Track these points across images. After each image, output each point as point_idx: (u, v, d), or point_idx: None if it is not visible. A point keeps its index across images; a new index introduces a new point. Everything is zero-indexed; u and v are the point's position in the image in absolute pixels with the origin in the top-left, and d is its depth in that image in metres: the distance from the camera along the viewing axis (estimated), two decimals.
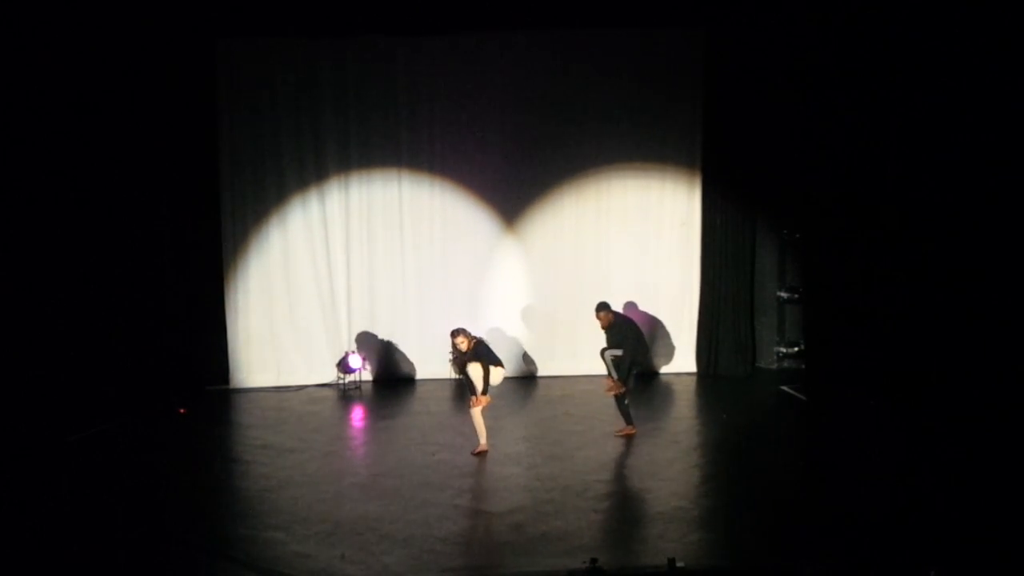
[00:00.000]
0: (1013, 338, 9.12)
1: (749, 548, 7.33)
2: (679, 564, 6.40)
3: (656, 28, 12.93)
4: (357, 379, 13.17)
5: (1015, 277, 9.15)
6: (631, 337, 10.21)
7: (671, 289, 13.43)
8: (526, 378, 13.34)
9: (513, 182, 13.22)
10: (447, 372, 13.32)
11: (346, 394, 12.82)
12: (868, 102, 11.06)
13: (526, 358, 13.47)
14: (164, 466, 9.66)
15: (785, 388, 12.36)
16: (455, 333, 9.60)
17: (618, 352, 10.13)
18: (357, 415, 12.00)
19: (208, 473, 9.45)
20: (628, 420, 10.35)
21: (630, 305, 12.99)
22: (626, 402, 10.33)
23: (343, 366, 13.09)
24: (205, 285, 12.92)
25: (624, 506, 8.29)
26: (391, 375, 13.34)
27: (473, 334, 9.67)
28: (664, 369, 13.50)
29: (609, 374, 10.23)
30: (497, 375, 9.66)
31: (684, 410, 12.05)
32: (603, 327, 10.33)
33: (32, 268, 10.98)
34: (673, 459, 9.68)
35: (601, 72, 12.99)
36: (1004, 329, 9.24)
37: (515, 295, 13.43)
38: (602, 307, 10.43)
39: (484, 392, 9.48)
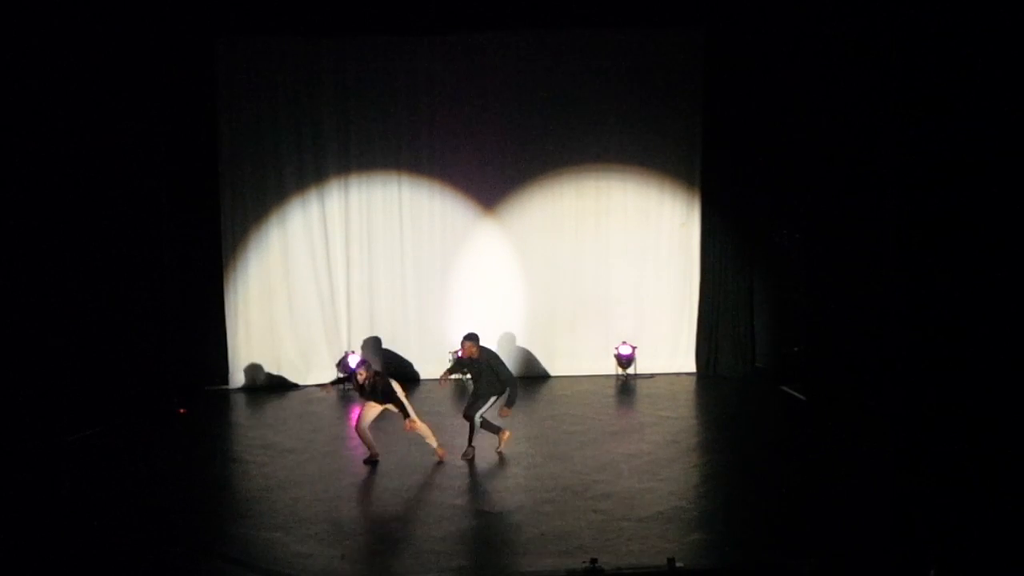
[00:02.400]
0: (1012, 338, 9.12)
1: (749, 548, 7.33)
2: (679, 564, 6.39)
3: (656, 28, 12.94)
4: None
5: (1015, 278, 9.15)
6: (504, 370, 9.64)
7: (671, 289, 13.43)
8: (526, 378, 13.34)
9: (513, 182, 13.22)
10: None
11: (346, 394, 12.81)
12: (868, 101, 11.06)
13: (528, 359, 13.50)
14: (164, 466, 9.66)
15: (785, 388, 12.35)
16: (362, 365, 9.45)
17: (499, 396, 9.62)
18: (357, 415, 11.97)
19: (208, 473, 9.45)
20: (495, 430, 9.82)
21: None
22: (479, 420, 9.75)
23: (343, 366, 13.09)
24: (205, 285, 12.93)
25: (624, 506, 8.29)
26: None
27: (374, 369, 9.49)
28: (664, 369, 13.49)
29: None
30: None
31: (684, 410, 12.04)
32: (465, 356, 9.59)
33: (32, 268, 10.98)
34: (673, 459, 9.68)
35: (601, 72, 13.00)
36: (1004, 329, 9.24)
37: (515, 295, 13.42)
38: (473, 338, 9.59)
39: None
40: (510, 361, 13.40)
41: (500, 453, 9.70)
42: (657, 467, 9.42)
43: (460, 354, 9.79)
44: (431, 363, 13.31)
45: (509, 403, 9.62)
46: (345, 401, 12.52)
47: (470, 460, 9.59)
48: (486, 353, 9.64)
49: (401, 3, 12.53)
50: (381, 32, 12.78)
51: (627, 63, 12.99)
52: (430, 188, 13.20)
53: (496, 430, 9.74)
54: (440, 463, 9.48)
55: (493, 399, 9.65)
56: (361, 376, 9.39)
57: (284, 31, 12.65)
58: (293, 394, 12.79)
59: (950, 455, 9.12)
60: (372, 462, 9.45)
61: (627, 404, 12.34)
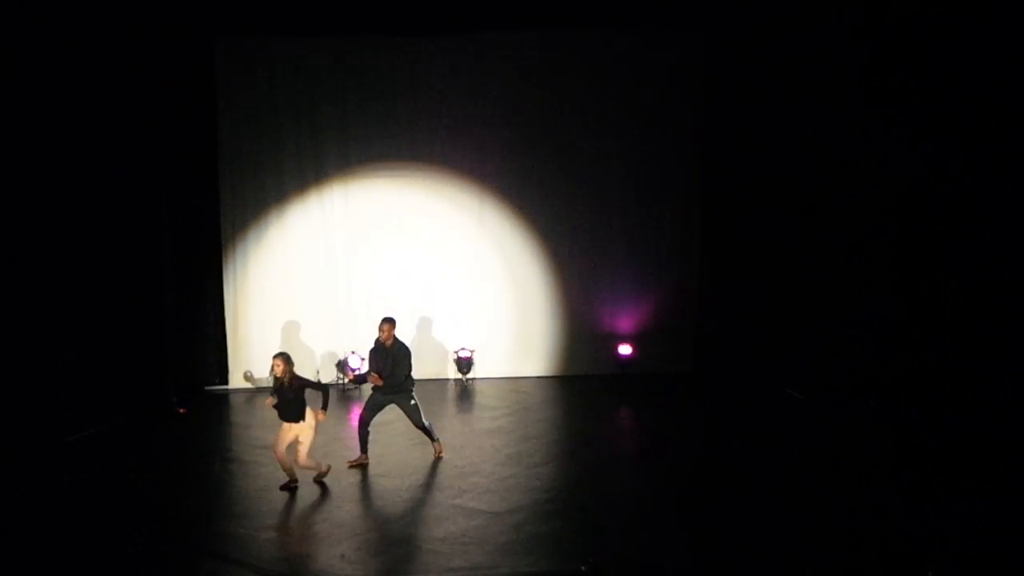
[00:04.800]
0: (1013, 339, 9.13)
1: (749, 548, 7.33)
2: (678, 564, 6.40)
3: (656, 29, 12.95)
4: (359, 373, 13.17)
5: (1015, 277, 9.16)
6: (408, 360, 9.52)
7: (670, 289, 13.43)
8: (526, 378, 13.36)
9: (513, 182, 13.22)
10: (446, 373, 13.38)
11: (346, 394, 12.82)
12: (868, 101, 11.06)
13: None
14: (164, 466, 9.67)
15: (785, 388, 12.35)
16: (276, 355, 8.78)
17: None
18: (354, 415, 11.99)
19: (207, 473, 9.45)
20: (363, 448, 9.64)
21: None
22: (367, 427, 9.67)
23: (343, 366, 13.10)
24: (205, 285, 12.94)
25: (623, 507, 8.30)
26: None
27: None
28: (663, 369, 13.49)
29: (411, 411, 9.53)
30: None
31: (684, 410, 12.03)
32: (384, 340, 9.43)
33: (32, 269, 10.97)
34: (672, 459, 9.69)
35: (602, 72, 13.01)
36: (1004, 330, 9.25)
37: (515, 295, 13.42)
38: (391, 321, 9.55)
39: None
40: (508, 359, 13.53)
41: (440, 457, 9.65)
42: (656, 467, 9.43)
43: (380, 338, 9.47)
44: (432, 363, 13.32)
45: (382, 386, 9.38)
46: (344, 401, 12.53)
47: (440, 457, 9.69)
48: (398, 343, 9.49)
49: (401, 3, 12.53)
50: (381, 32, 12.78)
51: (627, 64, 13.00)
52: (430, 188, 13.20)
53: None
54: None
55: (414, 396, 9.52)
56: (279, 368, 8.65)
57: (283, 31, 12.65)
58: None
59: (949, 455, 9.13)
60: (291, 488, 8.82)
61: (626, 404, 12.34)
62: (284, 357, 8.72)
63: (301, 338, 13.16)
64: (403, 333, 13.23)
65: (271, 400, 8.78)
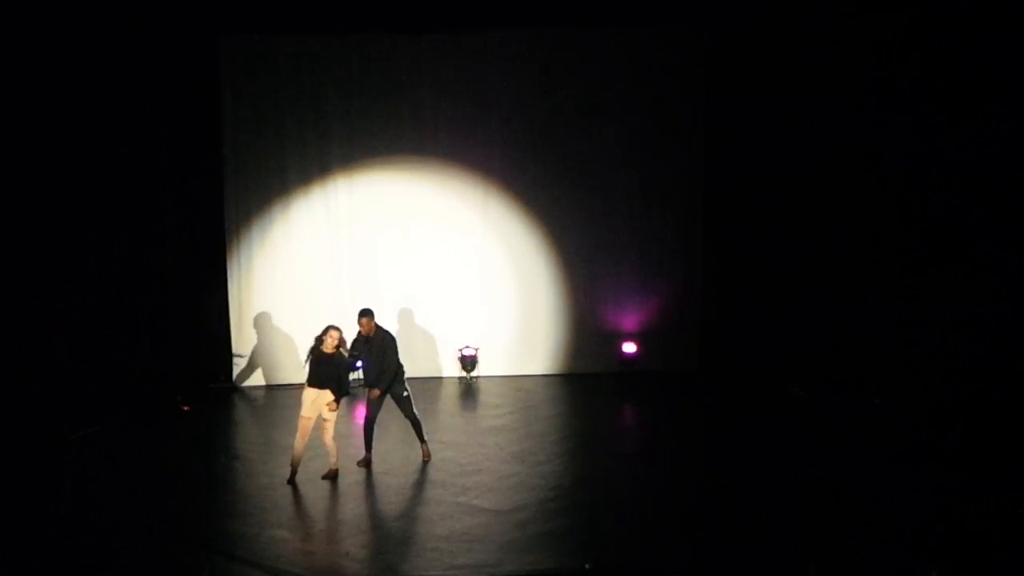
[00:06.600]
0: (1013, 338, 9.11)
1: (751, 548, 7.32)
2: (681, 564, 6.40)
3: (658, 26, 12.92)
4: (359, 378, 13.16)
5: (1016, 276, 9.14)
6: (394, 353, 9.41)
7: (675, 286, 13.41)
8: (530, 376, 13.35)
9: (515, 179, 13.21)
10: (450, 371, 13.36)
11: (352, 392, 12.80)
12: (872, 99, 11.05)
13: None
14: (167, 463, 9.68)
15: (786, 388, 12.32)
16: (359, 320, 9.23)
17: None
18: (359, 413, 11.98)
19: (211, 471, 9.46)
20: (368, 446, 9.64)
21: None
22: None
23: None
24: (209, 282, 12.94)
25: (626, 505, 8.29)
26: None
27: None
28: (665, 368, 13.46)
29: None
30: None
31: (685, 410, 12.02)
32: (365, 333, 9.37)
33: (35, 266, 10.99)
34: (675, 458, 9.68)
35: (606, 69, 12.98)
36: (1005, 329, 9.23)
37: (517, 293, 13.40)
38: (368, 314, 9.44)
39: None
40: (512, 357, 13.51)
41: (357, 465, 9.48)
42: (660, 466, 9.42)
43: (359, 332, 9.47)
44: (436, 359, 13.33)
45: (370, 384, 9.46)
46: (347, 400, 12.50)
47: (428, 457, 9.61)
48: (382, 332, 9.44)
49: (404, 2, 12.53)
50: (384, 30, 12.77)
51: (631, 61, 12.96)
52: (434, 185, 13.19)
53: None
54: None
55: (406, 386, 9.51)
56: (333, 338, 8.95)
57: (287, 30, 12.65)
58: (296, 391, 12.75)
59: (951, 455, 9.11)
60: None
61: (631, 402, 12.32)
62: (339, 334, 9.03)
63: (305, 334, 13.12)
64: (406, 331, 13.31)
65: (310, 360, 9.12)
